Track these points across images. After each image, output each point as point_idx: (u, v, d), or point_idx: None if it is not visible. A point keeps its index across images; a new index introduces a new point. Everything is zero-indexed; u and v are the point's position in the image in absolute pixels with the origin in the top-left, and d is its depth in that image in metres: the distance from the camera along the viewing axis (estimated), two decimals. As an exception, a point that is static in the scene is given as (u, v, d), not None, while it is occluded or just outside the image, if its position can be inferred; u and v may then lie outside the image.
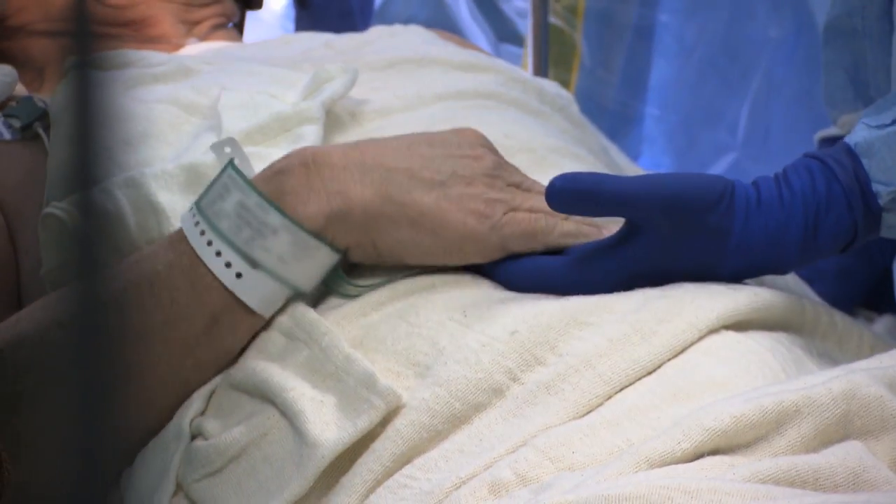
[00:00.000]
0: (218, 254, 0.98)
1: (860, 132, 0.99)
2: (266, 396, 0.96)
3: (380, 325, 0.97)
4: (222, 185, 0.99)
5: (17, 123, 1.22)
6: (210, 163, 1.07)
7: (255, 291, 0.98)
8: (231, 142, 1.06)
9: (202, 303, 0.98)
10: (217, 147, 1.06)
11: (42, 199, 1.15)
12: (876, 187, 0.97)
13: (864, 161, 0.98)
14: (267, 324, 1.00)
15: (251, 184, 0.98)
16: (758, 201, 0.97)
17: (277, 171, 0.99)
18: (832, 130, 1.36)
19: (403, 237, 0.98)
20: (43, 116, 1.22)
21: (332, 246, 0.98)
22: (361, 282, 1.00)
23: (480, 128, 1.08)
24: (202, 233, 0.98)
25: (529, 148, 1.14)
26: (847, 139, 0.99)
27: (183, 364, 0.99)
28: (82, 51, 0.38)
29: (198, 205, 0.99)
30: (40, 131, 1.21)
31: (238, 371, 0.99)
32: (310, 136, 1.11)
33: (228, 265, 0.98)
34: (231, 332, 0.99)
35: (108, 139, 0.40)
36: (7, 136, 1.23)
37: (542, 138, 1.17)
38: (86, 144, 0.38)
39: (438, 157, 1.00)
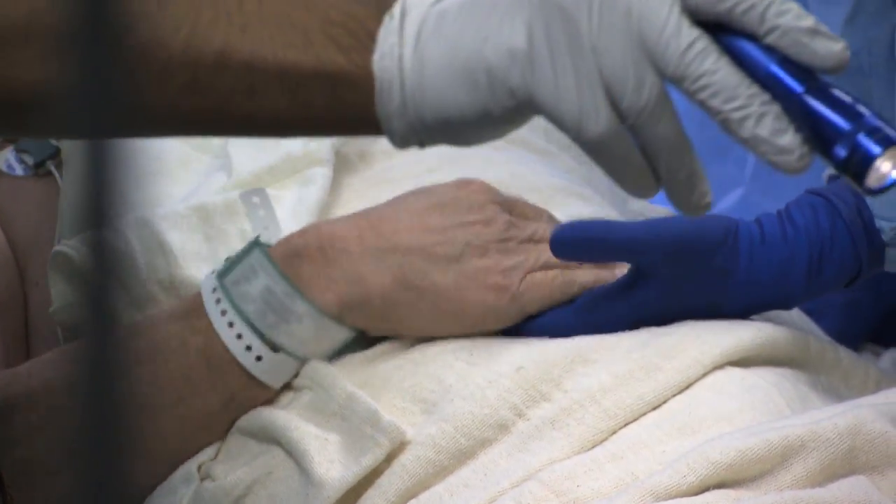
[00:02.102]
0: (239, 336, 0.97)
1: None
2: (271, 437, 0.96)
3: (385, 365, 0.97)
4: (249, 266, 0.98)
5: (29, 160, 1.23)
6: (220, 203, 1.07)
7: (273, 371, 0.97)
8: (260, 192, 1.06)
9: (218, 383, 0.98)
10: (246, 197, 1.06)
11: (53, 237, 1.15)
12: (879, 223, 0.98)
13: (867, 197, 0.98)
14: None
15: (281, 271, 0.97)
16: (761, 239, 0.98)
17: (294, 255, 0.98)
18: None
19: (423, 321, 0.98)
20: (56, 154, 1.22)
21: (351, 328, 0.99)
22: (367, 342, 1.00)
23: (486, 169, 1.08)
24: (223, 312, 0.97)
25: (535, 188, 1.14)
26: None
27: (197, 437, 0.99)
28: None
29: (220, 281, 0.98)
30: (52, 169, 1.21)
31: (245, 417, 0.99)
32: (320, 178, 1.11)
33: (249, 348, 0.97)
34: (247, 406, 0.98)
35: (119, 177, 0.41)
36: (19, 171, 1.23)
37: (548, 178, 1.17)
38: (98, 182, 0.39)
39: (450, 228, 1.00)
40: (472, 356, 0.95)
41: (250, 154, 1.14)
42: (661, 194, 2.24)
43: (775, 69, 0.71)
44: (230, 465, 0.97)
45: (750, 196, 2.20)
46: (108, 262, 0.37)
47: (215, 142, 1.17)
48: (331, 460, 0.92)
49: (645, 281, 0.97)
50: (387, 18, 0.75)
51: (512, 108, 0.73)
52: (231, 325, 0.97)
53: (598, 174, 1.33)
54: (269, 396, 0.99)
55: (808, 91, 0.71)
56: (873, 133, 0.70)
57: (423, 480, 0.90)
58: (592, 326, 0.97)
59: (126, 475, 0.36)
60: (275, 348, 0.97)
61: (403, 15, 0.75)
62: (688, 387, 0.92)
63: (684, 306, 0.97)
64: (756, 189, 2.20)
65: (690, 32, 0.70)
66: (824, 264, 0.98)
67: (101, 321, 0.36)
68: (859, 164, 0.70)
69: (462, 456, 0.90)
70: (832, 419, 0.85)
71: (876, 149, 0.70)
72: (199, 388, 0.97)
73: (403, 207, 1.02)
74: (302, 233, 1.00)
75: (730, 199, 2.22)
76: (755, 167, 2.21)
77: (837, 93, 0.72)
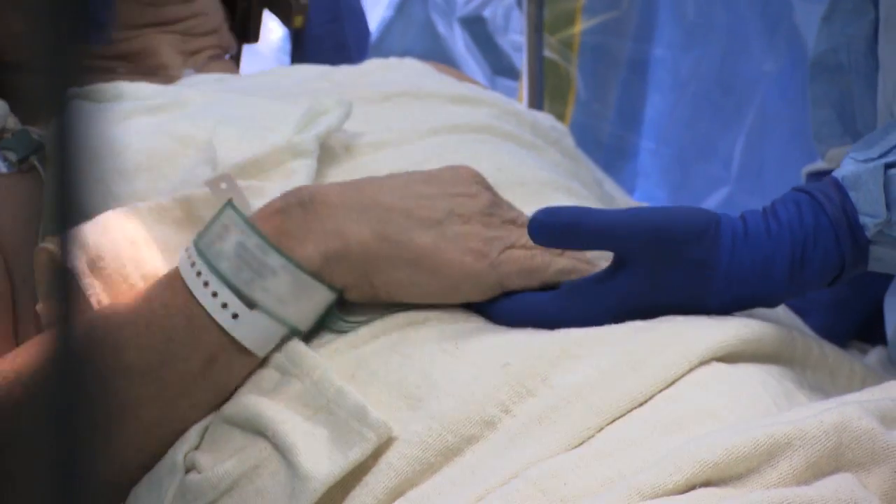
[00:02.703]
0: (214, 294, 0.97)
1: (847, 166, 0.99)
2: (258, 429, 0.96)
3: (372, 357, 0.97)
4: (221, 226, 0.99)
5: (13, 156, 1.23)
6: (204, 196, 1.07)
7: (251, 332, 0.98)
8: (227, 178, 1.06)
9: (198, 343, 0.98)
10: (213, 183, 1.06)
11: (37, 232, 1.15)
12: (863, 219, 0.98)
13: (852, 194, 0.98)
14: (262, 361, 1.00)
15: (251, 224, 0.98)
16: (745, 234, 0.98)
17: (275, 211, 0.99)
18: (819, 165, 1.37)
19: (401, 277, 0.98)
20: (39, 149, 1.22)
21: (330, 286, 0.98)
22: (354, 318, 1.00)
23: (474, 161, 1.08)
24: (198, 273, 0.98)
25: (522, 181, 1.15)
26: (835, 173, 1.00)
27: (178, 404, 0.99)
28: (62, 83, 0.38)
29: (196, 245, 0.99)
30: (37, 164, 1.21)
31: (231, 405, 0.99)
32: (304, 170, 1.11)
33: (225, 306, 0.97)
34: (227, 371, 0.99)
35: (101, 171, 0.40)
36: (3, 168, 1.23)
37: (534, 172, 1.17)
38: (70, 177, 0.39)
39: (435, 196, 1.01)
40: (457, 348, 0.95)
41: (235, 147, 1.14)
42: (648, 193, 2.23)
43: None
44: (215, 455, 0.97)
45: (736, 195, 2.21)
46: (73, 255, 0.37)
47: (200, 136, 1.17)
48: (318, 454, 0.92)
49: (624, 270, 0.97)
50: None
51: None
52: (206, 284, 0.98)
53: (584, 168, 1.33)
54: (250, 367, 0.99)
55: None
56: None
57: (410, 478, 0.90)
58: (571, 313, 0.97)
59: (94, 461, 0.36)
60: (252, 305, 0.97)
61: None
62: (674, 383, 0.92)
63: (665, 299, 0.97)
64: (742, 188, 2.21)
65: None
66: (807, 261, 0.98)
67: (68, 312, 0.36)
68: None
69: (449, 453, 0.90)
70: (818, 416, 0.85)
71: None
72: (179, 350, 0.98)
73: (390, 177, 1.02)
74: (284, 195, 1.01)
75: (716, 197, 2.23)
76: (741, 166, 2.21)
77: None
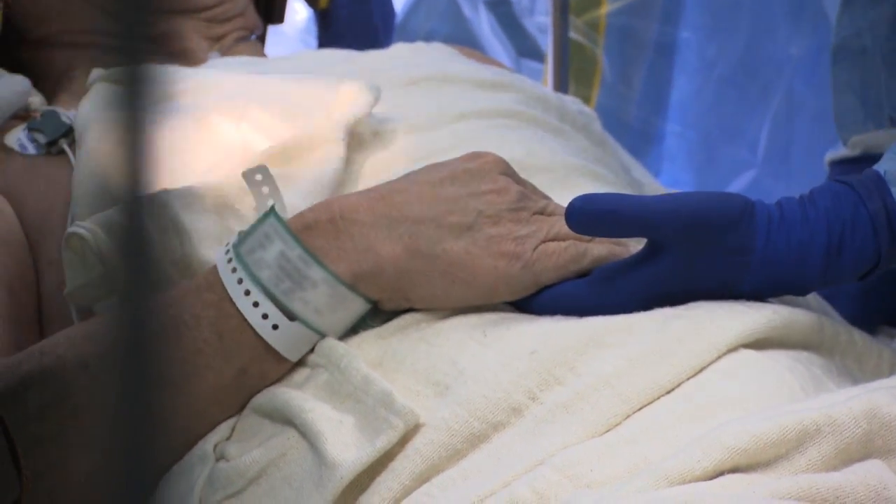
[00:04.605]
0: (255, 304, 0.97)
1: (890, 161, 0.99)
2: (286, 418, 0.96)
3: (399, 345, 0.97)
4: (263, 234, 0.98)
5: (42, 139, 1.23)
6: (235, 184, 1.07)
7: (288, 342, 0.97)
8: (263, 170, 1.05)
9: (230, 355, 0.97)
10: (249, 175, 1.05)
11: (66, 216, 1.15)
12: None
13: (894, 189, 0.98)
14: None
15: (295, 235, 0.97)
16: (780, 218, 0.97)
17: (305, 228, 0.98)
18: (843, 152, 1.36)
19: (436, 290, 0.98)
20: (69, 132, 1.22)
21: (366, 298, 0.98)
22: (382, 317, 1.00)
23: (501, 147, 1.07)
24: (240, 280, 0.97)
25: (550, 167, 1.14)
26: (877, 166, 0.99)
27: (210, 412, 0.99)
28: (132, 66, 0.38)
29: (237, 250, 0.98)
30: (66, 147, 1.21)
31: (260, 396, 0.99)
32: (333, 156, 1.11)
33: (265, 317, 0.97)
34: (259, 379, 0.99)
35: (136, 156, 0.41)
36: (31, 150, 1.23)
37: (562, 157, 1.17)
38: (139, 149, 0.39)
39: (463, 198, 1.00)
40: (485, 337, 0.95)
41: (264, 133, 1.13)
42: (674, 176, 2.23)
43: None
44: (245, 445, 0.97)
45: (762, 179, 2.20)
46: (139, 236, 0.37)
47: (228, 121, 1.17)
48: (345, 442, 0.92)
49: (659, 256, 0.97)
50: None
51: None
52: (248, 293, 0.97)
53: (612, 153, 1.33)
54: (282, 372, 0.99)
55: None
56: None
57: (436, 464, 0.90)
58: (606, 299, 0.97)
59: (153, 447, 0.36)
60: (291, 317, 0.97)
61: None
62: (702, 370, 0.92)
63: (700, 284, 0.97)
64: (768, 172, 2.20)
65: None
66: (844, 249, 0.97)
67: (140, 294, 0.36)
68: None
69: (475, 440, 0.90)
70: (847, 403, 0.85)
71: None
72: (211, 361, 0.97)
73: (414, 180, 1.02)
74: (312, 208, 1.00)
75: (742, 181, 2.22)
76: (767, 150, 2.21)
77: None
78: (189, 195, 1.06)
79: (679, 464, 0.82)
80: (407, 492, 0.89)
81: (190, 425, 0.98)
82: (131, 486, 0.34)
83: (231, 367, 0.98)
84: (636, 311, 0.96)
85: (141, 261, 0.36)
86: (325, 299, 0.97)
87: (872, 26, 1.29)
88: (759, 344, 0.95)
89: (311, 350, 0.99)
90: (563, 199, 1.01)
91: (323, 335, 0.98)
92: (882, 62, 1.29)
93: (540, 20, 2.38)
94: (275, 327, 0.97)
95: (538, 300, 0.99)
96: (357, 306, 0.98)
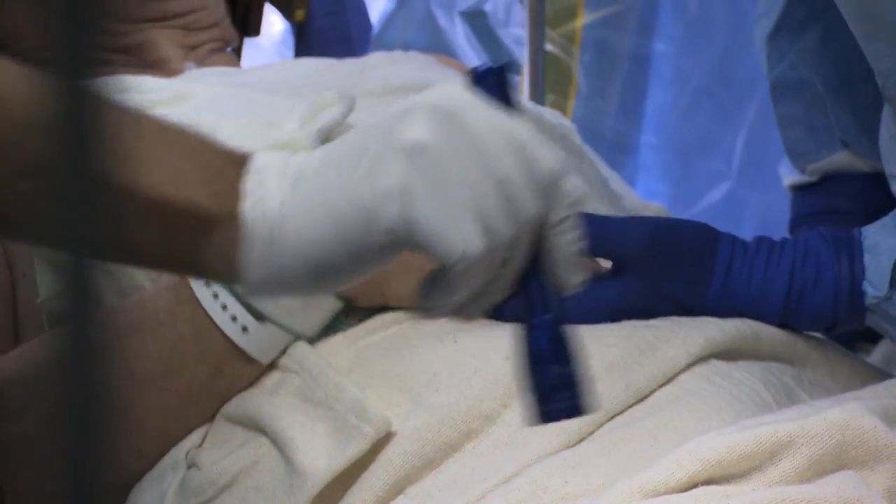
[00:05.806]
0: (224, 307, 0.97)
1: (877, 231, 1.00)
2: (258, 426, 0.95)
3: (372, 350, 0.97)
4: None
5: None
6: None
7: (260, 344, 0.97)
8: None
9: (205, 354, 0.97)
10: None
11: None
12: (865, 286, 0.98)
13: (867, 257, 0.99)
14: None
15: None
16: (743, 260, 0.99)
17: None
18: (803, 178, 1.36)
19: (411, 285, 0.98)
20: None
21: (339, 296, 0.98)
22: (355, 317, 1.00)
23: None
24: (207, 283, 0.97)
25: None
26: (864, 229, 1.00)
27: (184, 412, 0.98)
28: (73, 75, 0.38)
29: None
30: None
31: (232, 403, 0.98)
32: None
33: (234, 319, 0.97)
34: (234, 380, 0.98)
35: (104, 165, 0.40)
36: (5, 160, 1.22)
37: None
38: (85, 168, 0.38)
39: None
40: (455, 342, 0.94)
41: (237, 143, 1.13)
42: (650, 188, 2.24)
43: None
44: (217, 452, 0.97)
45: (737, 190, 2.21)
46: (87, 247, 0.36)
47: (202, 130, 1.16)
48: (316, 450, 0.91)
49: (624, 276, 0.98)
50: (252, 170, 0.77)
51: (386, 246, 0.73)
52: (216, 295, 0.97)
53: (589, 165, 1.33)
54: (256, 374, 0.98)
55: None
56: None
57: (409, 474, 0.90)
58: (571, 310, 0.97)
59: (106, 457, 0.36)
60: (260, 318, 0.96)
61: (265, 168, 0.77)
62: (674, 377, 0.92)
63: (661, 307, 0.98)
64: (743, 183, 2.21)
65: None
66: (802, 306, 0.99)
67: (83, 303, 0.36)
68: None
69: (448, 448, 0.90)
70: (821, 414, 0.85)
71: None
72: (186, 359, 0.97)
73: None
74: None
75: (717, 192, 2.23)
76: (742, 161, 2.21)
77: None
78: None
79: (653, 476, 0.82)
80: (380, 503, 0.89)
81: (165, 426, 0.98)
82: (93, 491, 0.34)
83: (206, 367, 0.97)
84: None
85: (86, 269, 0.36)
86: (297, 300, 0.97)
87: (803, 57, 1.30)
88: (731, 355, 0.95)
89: (284, 353, 0.98)
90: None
91: (297, 335, 0.98)
92: (823, 89, 1.30)
93: (516, 32, 2.38)
94: (244, 329, 0.97)
95: (507, 307, 0.99)
96: (330, 305, 0.98)
